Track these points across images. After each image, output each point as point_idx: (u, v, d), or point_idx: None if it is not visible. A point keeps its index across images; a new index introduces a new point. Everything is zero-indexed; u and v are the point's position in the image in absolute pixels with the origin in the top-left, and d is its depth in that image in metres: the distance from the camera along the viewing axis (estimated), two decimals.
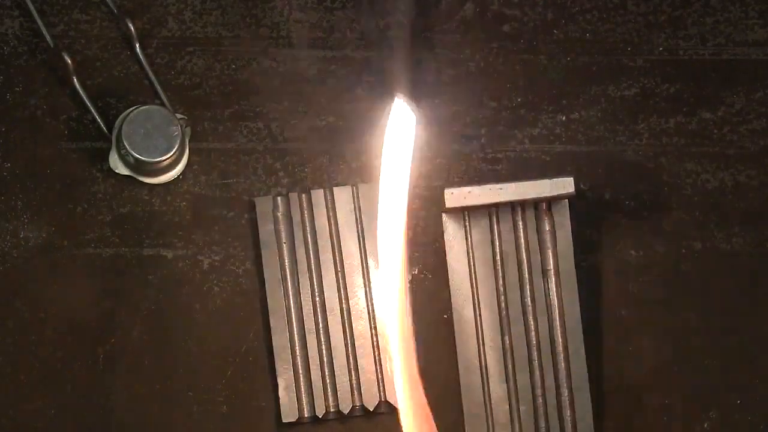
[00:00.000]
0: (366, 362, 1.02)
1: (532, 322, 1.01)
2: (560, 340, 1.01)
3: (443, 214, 1.02)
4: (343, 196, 1.03)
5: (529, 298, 1.02)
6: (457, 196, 1.00)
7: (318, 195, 1.03)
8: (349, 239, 1.03)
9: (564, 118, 1.06)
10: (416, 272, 1.05)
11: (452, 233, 1.02)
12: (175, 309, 1.03)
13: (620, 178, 1.06)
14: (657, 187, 1.06)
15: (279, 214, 1.03)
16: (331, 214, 1.03)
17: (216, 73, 1.06)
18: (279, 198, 1.03)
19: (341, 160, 1.05)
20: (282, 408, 1.01)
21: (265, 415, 1.03)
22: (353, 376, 1.02)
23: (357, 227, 1.03)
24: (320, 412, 1.01)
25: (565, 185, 1.01)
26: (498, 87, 1.06)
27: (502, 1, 1.07)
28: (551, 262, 1.01)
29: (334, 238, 1.03)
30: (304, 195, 1.03)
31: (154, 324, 1.03)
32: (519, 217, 1.02)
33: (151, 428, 1.03)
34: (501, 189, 1.00)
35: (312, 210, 1.03)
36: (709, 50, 1.07)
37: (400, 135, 0.86)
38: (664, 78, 1.07)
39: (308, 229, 1.03)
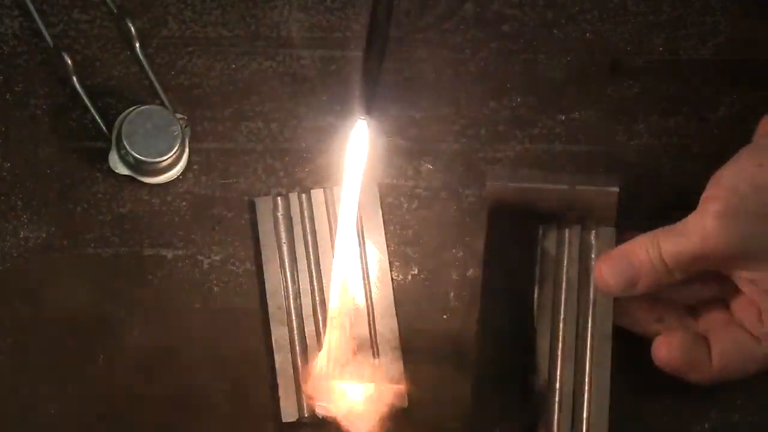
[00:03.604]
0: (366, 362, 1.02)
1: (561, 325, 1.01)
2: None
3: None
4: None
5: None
6: (500, 186, 1.00)
7: (318, 195, 1.03)
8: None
9: (564, 118, 1.06)
10: (416, 272, 1.05)
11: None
12: (175, 309, 1.03)
13: (620, 178, 1.06)
14: (657, 187, 1.06)
15: (279, 214, 1.03)
16: (331, 214, 1.03)
17: (216, 73, 1.06)
18: (279, 198, 1.03)
19: (341, 160, 1.05)
20: (282, 408, 1.01)
21: (265, 415, 1.03)
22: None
23: (357, 227, 1.03)
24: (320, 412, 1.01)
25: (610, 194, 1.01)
26: (498, 87, 1.06)
27: (502, 1, 1.07)
28: (587, 277, 1.01)
29: (334, 238, 1.03)
30: (304, 195, 1.03)
31: (154, 324, 1.03)
32: (564, 235, 1.02)
33: (152, 428, 1.03)
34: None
35: (312, 210, 1.03)
36: (709, 50, 1.07)
37: (358, 151, 0.98)
38: (664, 78, 1.07)
39: (308, 229, 1.03)
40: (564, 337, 1.00)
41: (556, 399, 1.00)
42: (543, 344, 1.00)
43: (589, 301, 1.00)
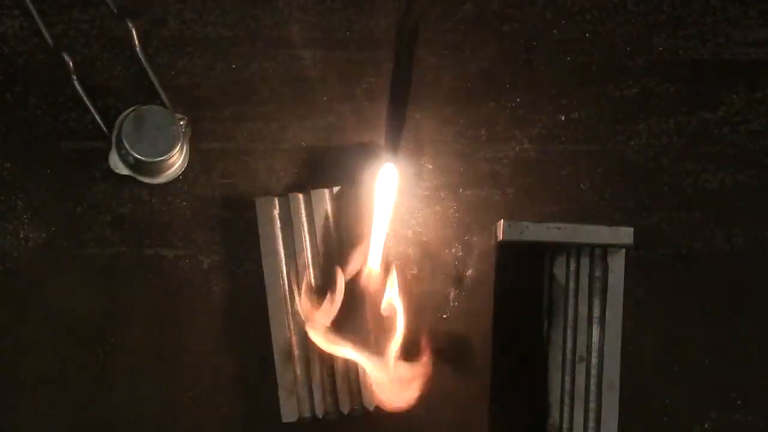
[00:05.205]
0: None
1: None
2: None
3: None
4: (342, 196, 1.03)
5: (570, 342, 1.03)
6: (513, 230, 1.00)
7: (318, 195, 1.03)
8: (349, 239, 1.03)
9: (564, 118, 1.06)
10: (416, 272, 1.05)
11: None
12: (175, 309, 1.04)
13: (620, 178, 1.06)
14: (657, 187, 1.06)
15: (279, 214, 1.03)
16: (331, 214, 1.03)
17: (216, 73, 1.06)
18: (279, 198, 1.03)
19: (341, 160, 1.05)
20: (282, 408, 1.01)
21: (265, 415, 1.03)
22: (353, 376, 1.02)
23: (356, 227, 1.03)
24: (320, 412, 1.01)
25: (624, 235, 1.01)
26: (498, 87, 1.06)
27: (502, 1, 1.07)
28: (598, 309, 1.02)
29: (334, 238, 1.03)
30: (304, 195, 1.03)
31: (154, 324, 1.03)
32: (573, 260, 1.02)
33: (152, 428, 1.03)
34: (558, 229, 1.00)
35: (312, 210, 1.03)
36: (709, 50, 1.07)
37: (384, 191, 1.00)
38: (664, 78, 1.07)
39: (308, 229, 1.03)
40: (574, 376, 1.01)
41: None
42: (555, 377, 1.01)
43: (600, 328, 1.01)
